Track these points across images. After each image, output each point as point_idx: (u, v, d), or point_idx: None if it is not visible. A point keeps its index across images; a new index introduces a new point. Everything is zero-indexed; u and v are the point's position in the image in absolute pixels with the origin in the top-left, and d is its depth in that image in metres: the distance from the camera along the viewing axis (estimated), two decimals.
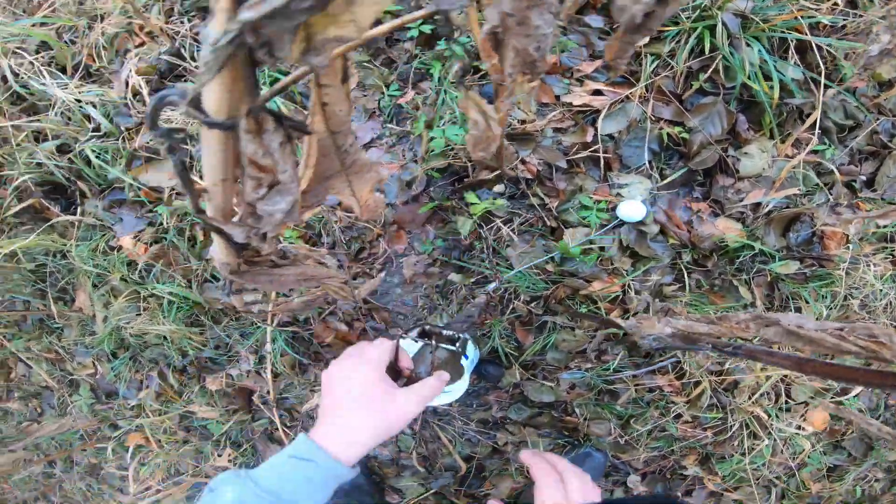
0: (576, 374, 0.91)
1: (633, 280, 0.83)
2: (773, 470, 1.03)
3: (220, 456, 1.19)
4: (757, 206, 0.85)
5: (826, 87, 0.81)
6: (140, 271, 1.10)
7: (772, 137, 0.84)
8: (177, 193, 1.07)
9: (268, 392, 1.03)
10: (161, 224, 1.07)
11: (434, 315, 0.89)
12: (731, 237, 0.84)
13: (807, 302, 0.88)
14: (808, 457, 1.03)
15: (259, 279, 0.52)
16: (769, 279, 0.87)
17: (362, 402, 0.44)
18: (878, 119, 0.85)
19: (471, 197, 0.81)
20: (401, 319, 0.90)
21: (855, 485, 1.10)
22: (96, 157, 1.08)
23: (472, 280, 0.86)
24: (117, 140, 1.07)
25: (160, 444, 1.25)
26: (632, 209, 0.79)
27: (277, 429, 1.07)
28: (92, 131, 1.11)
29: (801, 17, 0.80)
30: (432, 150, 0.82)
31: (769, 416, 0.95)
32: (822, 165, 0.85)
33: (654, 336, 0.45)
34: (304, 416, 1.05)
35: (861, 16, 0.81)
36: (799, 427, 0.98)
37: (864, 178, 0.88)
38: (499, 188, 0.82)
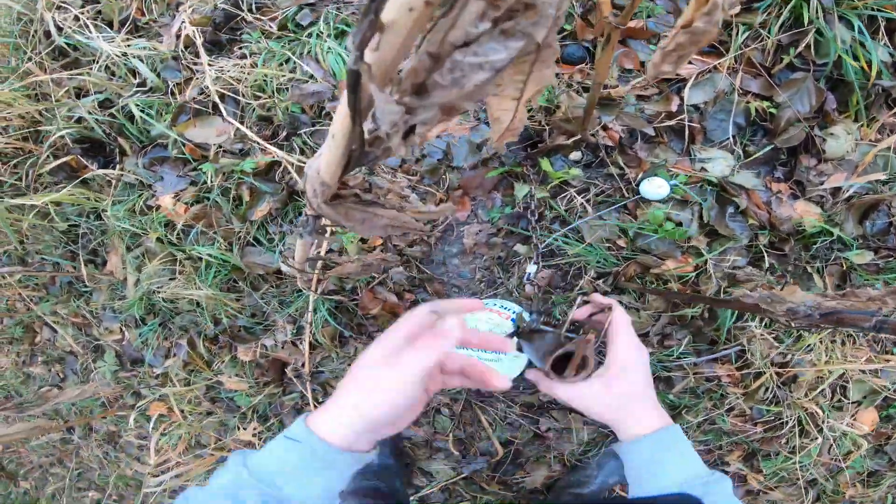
0: None
1: (707, 259, 0.69)
2: (816, 471, 0.89)
3: (244, 430, 1.02)
4: (836, 190, 0.72)
5: None
6: (178, 233, 0.94)
7: (856, 120, 0.71)
8: (224, 151, 0.91)
9: (302, 365, 0.87)
10: (204, 183, 0.91)
11: (492, 290, 0.74)
12: (810, 221, 0.70)
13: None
14: (852, 459, 0.89)
15: (352, 215, 0.37)
16: (843, 268, 0.74)
17: (348, 381, 0.35)
18: None
19: (544, 163, 0.67)
20: (455, 292, 0.75)
21: (888, 492, 0.96)
22: (140, 111, 0.93)
23: (530, 257, 0.72)
24: (164, 95, 0.92)
25: (184, 415, 1.08)
26: (655, 187, 0.65)
27: (308, 403, 0.90)
28: (137, 86, 0.95)
29: None
30: None
31: (823, 412, 0.81)
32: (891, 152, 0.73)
33: (807, 304, 0.32)
34: None
35: None
36: (849, 426, 0.84)
37: None
38: (575, 155, 0.68)
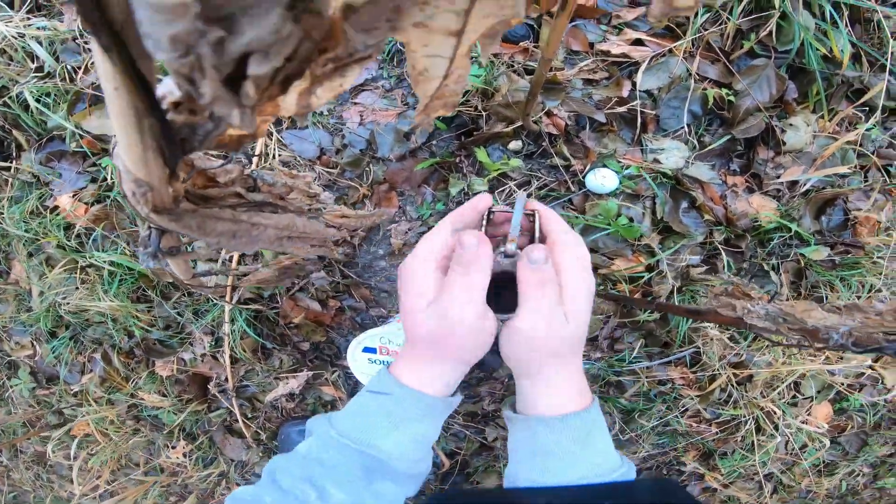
0: (585, 365, 0.71)
1: (661, 259, 0.63)
2: (773, 465, 0.88)
3: (173, 448, 0.92)
4: (794, 184, 0.67)
5: (882, 64, 0.64)
6: (79, 236, 0.82)
7: (814, 111, 0.66)
8: None
9: (225, 379, 0.77)
10: (105, 180, 0.79)
11: None
12: (767, 216, 0.65)
13: (832, 289, 0.71)
14: (808, 452, 0.87)
15: (212, 228, 0.25)
16: (800, 265, 0.70)
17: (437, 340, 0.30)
18: None
19: (481, 154, 0.59)
20: (384, 298, 0.67)
21: (841, 480, 0.96)
22: (36, 100, 0.79)
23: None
24: (64, 81, 0.78)
25: (107, 437, 0.97)
26: (601, 178, 0.59)
27: (237, 420, 0.81)
28: (34, 71, 0.81)
29: None
30: None
31: (780, 410, 0.78)
32: (861, 146, 0.68)
33: (843, 329, 0.24)
34: (268, 406, 0.80)
35: None
36: (804, 422, 0.82)
37: None
38: (515, 145, 0.60)
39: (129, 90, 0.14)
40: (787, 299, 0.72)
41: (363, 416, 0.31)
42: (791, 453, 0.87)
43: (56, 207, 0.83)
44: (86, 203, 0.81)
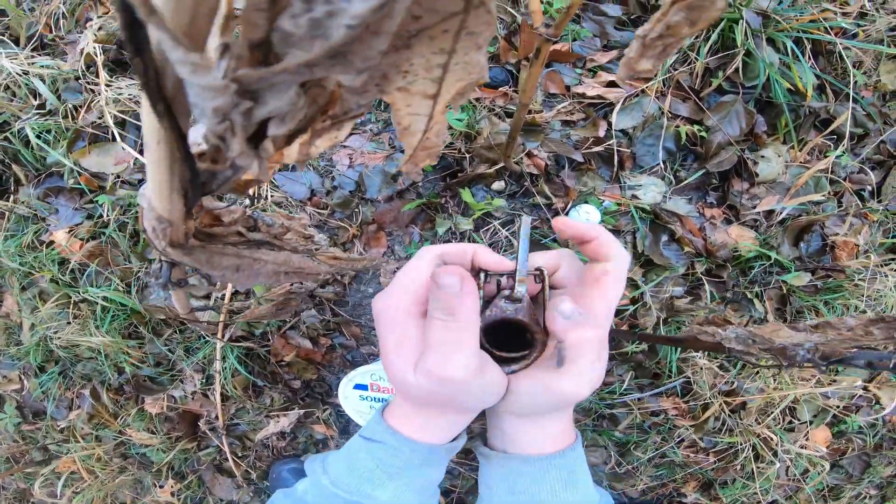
0: None
1: (644, 291, 0.65)
2: (776, 493, 0.87)
3: (161, 488, 0.91)
4: (770, 213, 0.70)
5: (847, 93, 0.68)
6: (73, 272, 0.83)
7: (785, 142, 0.70)
8: (122, 182, 0.82)
9: (216, 417, 0.77)
10: (101, 217, 0.81)
11: None
12: (746, 245, 0.68)
13: (817, 313, 0.73)
14: (810, 477, 0.87)
15: (218, 262, 0.28)
16: (783, 292, 0.71)
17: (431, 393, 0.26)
18: (885, 129, 0.73)
19: (465, 194, 0.61)
20: (374, 336, 0.68)
21: (849, 503, 0.95)
22: (36, 136, 0.82)
23: None
24: (65, 118, 0.82)
25: (93, 475, 0.95)
26: (584, 214, 0.61)
27: (227, 459, 0.81)
28: (36, 108, 0.85)
29: (823, 19, 0.67)
30: None
31: (777, 437, 0.78)
32: (833, 173, 0.71)
33: (808, 345, 0.26)
34: (258, 445, 0.79)
35: (874, 21, 0.69)
36: (802, 447, 0.82)
37: (869, 188, 0.75)
38: (498, 185, 0.63)
39: (169, 143, 0.17)
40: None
41: (357, 462, 0.28)
42: (792, 479, 0.86)
43: (52, 242, 0.85)
44: (81, 239, 0.83)
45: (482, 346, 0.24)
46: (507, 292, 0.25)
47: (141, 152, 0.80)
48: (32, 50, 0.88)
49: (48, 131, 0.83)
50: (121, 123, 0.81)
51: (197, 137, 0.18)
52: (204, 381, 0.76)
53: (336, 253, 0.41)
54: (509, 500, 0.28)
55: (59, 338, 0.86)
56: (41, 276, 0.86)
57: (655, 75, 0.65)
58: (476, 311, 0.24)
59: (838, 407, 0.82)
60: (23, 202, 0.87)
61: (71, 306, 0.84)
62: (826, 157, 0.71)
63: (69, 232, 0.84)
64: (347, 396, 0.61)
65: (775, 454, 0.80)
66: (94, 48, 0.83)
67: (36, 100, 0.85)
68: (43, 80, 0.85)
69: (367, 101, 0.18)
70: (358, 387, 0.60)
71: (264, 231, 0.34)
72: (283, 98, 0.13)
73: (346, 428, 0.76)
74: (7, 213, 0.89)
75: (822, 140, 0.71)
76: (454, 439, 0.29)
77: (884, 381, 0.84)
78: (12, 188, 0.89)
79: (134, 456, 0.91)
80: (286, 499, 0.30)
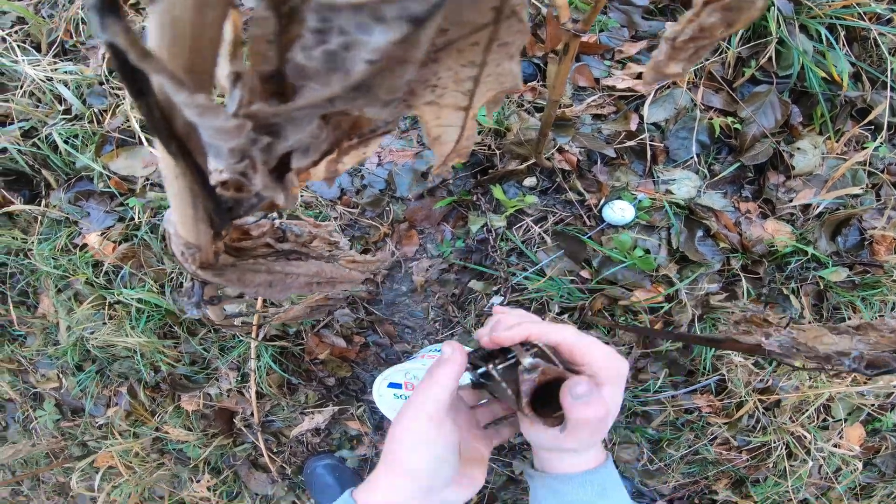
0: None
1: (679, 288, 0.64)
2: (808, 491, 0.86)
3: (198, 482, 0.94)
4: (806, 207, 0.68)
5: (883, 81, 0.65)
6: (107, 273, 0.85)
7: (821, 133, 0.67)
8: (152, 184, 0.83)
9: (251, 414, 0.79)
10: (132, 219, 0.82)
11: (448, 330, 0.67)
12: (782, 240, 0.66)
13: (854, 310, 0.71)
14: (842, 476, 0.85)
15: (250, 280, 0.28)
16: (820, 287, 0.70)
17: (386, 455, 0.30)
18: None
19: (497, 191, 0.61)
20: (408, 334, 0.69)
21: (879, 502, 0.93)
22: (64, 141, 0.84)
23: (496, 288, 0.65)
24: (91, 123, 0.83)
25: (131, 469, 0.98)
26: (619, 210, 0.60)
27: (262, 455, 0.82)
28: (62, 113, 0.86)
29: (856, 4, 0.65)
30: None
31: (811, 435, 0.77)
32: (871, 165, 0.69)
33: (854, 353, 0.26)
34: (293, 441, 0.81)
35: None
36: (836, 445, 0.81)
37: None
38: (530, 181, 0.62)
39: (187, 178, 0.16)
40: (810, 322, 0.72)
41: None
42: (825, 478, 0.85)
43: (85, 245, 0.87)
44: (113, 241, 0.84)
45: (534, 411, 0.27)
46: (522, 366, 0.27)
47: None
48: (54, 56, 0.89)
49: (75, 136, 0.84)
50: (147, 127, 0.82)
51: (219, 164, 0.18)
52: (239, 378, 0.78)
53: (354, 256, 0.42)
54: None
55: (95, 338, 0.88)
56: (76, 279, 0.89)
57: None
58: (451, 380, 0.28)
59: (873, 406, 0.81)
60: (55, 206, 0.89)
61: (106, 307, 0.86)
62: (864, 148, 0.69)
63: (101, 235, 0.86)
64: (382, 395, 0.61)
65: (808, 452, 0.79)
66: None
67: (61, 105, 0.87)
68: (67, 86, 0.86)
69: (395, 119, 0.17)
70: (392, 385, 0.61)
71: (292, 241, 0.34)
72: (305, 131, 0.12)
73: (380, 424, 0.77)
74: (40, 217, 0.91)
75: (859, 131, 0.69)
76: None
77: None
78: (43, 192, 0.91)
79: (171, 452, 0.93)
80: None
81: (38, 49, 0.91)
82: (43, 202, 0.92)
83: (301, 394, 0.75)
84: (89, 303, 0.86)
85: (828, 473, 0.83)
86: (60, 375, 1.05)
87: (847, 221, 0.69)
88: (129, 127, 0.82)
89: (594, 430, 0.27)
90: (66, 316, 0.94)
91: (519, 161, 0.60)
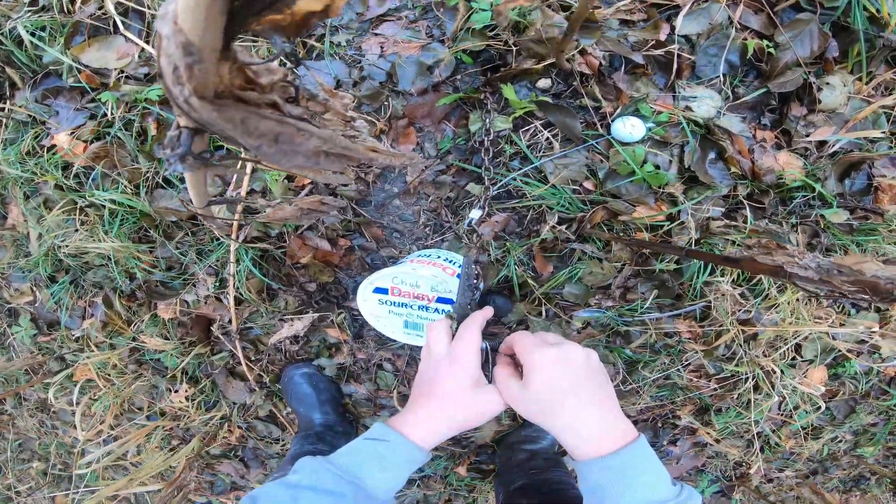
0: (595, 313, 0.68)
1: (682, 209, 0.60)
2: (766, 425, 0.88)
3: (175, 392, 0.90)
4: (822, 144, 0.64)
5: None
6: (78, 176, 0.76)
7: (852, 72, 0.62)
8: (126, 77, 0.72)
9: (229, 321, 0.74)
10: (104, 115, 0.72)
11: (438, 235, 0.62)
12: (792, 173, 0.62)
13: (847, 253, 0.69)
14: (798, 415, 0.87)
15: (254, 127, 0.22)
16: (818, 227, 0.67)
17: (436, 395, 0.39)
18: None
19: (507, 90, 0.54)
20: (396, 238, 0.63)
21: (824, 445, 0.97)
22: (30, 35, 0.72)
23: (485, 195, 0.60)
24: (60, 13, 0.70)
25: (109, 382, 0.94)
26: (629, 127, 0.55)
27: (240, 363, 0.78)
28: (28, 4, 0.73)
29: None
30: (469, 27, 0.53)
31: (780, 370, 0.77)
32: (893, 112, 0.64)
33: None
34: (271, 349, 0.77)
35: None
36: (800, 383, 0.82)
37: None
38: (544, 83, 0.55)
39: None
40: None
41: (357, 455, 0.37)
42: (784, 413, 0.87)
43: (53, 146, 0.77)
44: (84, 141, 0.75)
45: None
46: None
47: (147, 41, 0.70)
48: None
49: (42, 28, 0.72)
50: (123, 12, 0.70)
51: None
52: (217, 284, 0.72)
53: (375, 145, 0.35)
54: (590, 497, 0.36)
55: (67, 246, 0.81)
56: (44, 183, 0.79)
57: None
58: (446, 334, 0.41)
59: (842, 351, 0.81)
60: (20, 106, 0.78)
61: (77, 212, 0.78)
62: (891, 94, 0.64)
63: (71, 134, 0.76)
64: (366, 300, 0.57)
65: (773, 387, 0.79)
66: None
67: None
68: None
69: None
70: (378, 290, 0.56)
71: (304, 104, 0.27)
72: None
73: (360, 332, 0.73)
74: (4, 119, 0.80)
75: (891, 76, 0.64)
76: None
77: (888, 331, 0.82)
78: (7, 93, 0.80)
79: (148, 362, 0.89)
80: (276, 490, 0.34)
81: None
82: (8, 103, 0.80)
83: (281, 300, 0.70)
84: (60, 208, 0.78)
85: (788, 409, 0.85)
86: (34, 289, 0.97)
87: (858, 165, 0.66)
88: (104, 13, 0.70)
89: (537, 392, 0.37)
90: (36, 224, 0.85)
91: (535, 60, 0.53)
